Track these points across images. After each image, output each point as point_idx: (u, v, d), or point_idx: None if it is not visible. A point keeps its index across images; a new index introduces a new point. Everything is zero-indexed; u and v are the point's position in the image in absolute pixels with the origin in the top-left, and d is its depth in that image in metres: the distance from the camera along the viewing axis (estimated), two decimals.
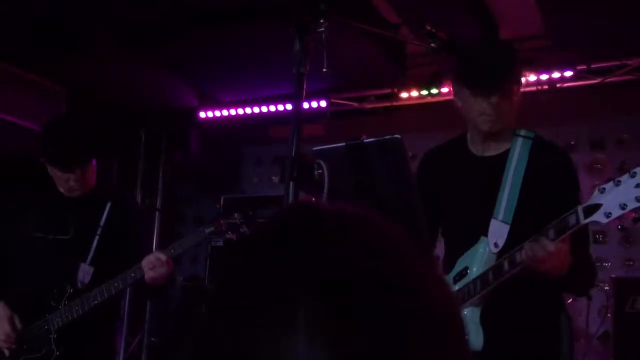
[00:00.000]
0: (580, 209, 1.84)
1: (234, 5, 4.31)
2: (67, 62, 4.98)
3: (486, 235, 2.12)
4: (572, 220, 1.87)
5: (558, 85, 4.90)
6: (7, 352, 2.66)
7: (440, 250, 2.51)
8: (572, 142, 5.31)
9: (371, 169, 1.63)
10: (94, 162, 2.81)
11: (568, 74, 4.86)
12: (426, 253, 0.59)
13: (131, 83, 5.50)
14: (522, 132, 2.22)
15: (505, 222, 2.11)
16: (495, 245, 2.10)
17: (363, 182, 1.62)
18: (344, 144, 1.65)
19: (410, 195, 1.65)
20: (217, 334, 0.53)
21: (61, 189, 2.79)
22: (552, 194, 2.11)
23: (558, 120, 4.94)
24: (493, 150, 2.24)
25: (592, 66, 4.81)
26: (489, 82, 2.08)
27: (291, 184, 1.48)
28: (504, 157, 2.19)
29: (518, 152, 2.17)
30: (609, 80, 4.81)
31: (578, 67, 4.84)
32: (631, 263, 5.13)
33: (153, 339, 5.84)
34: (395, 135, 1.62)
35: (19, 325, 2.65)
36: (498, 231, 2.11)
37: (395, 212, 1.56)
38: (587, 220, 1.84)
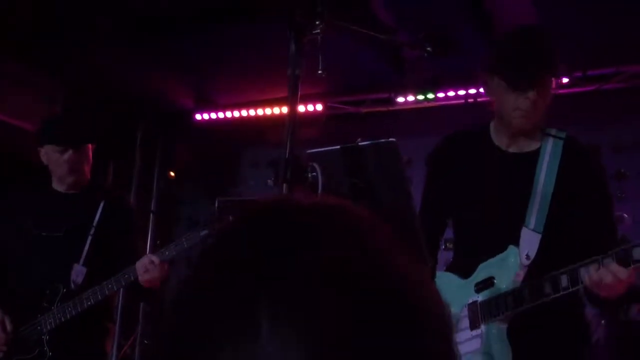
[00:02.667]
0: None
1: (230, 7, 4.30)
2: (64, 62, 4.97)
3: (515, 244, 1.96)
4: (637, 253, 1.69)
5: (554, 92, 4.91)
6: (0, 355, 2.65)
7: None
8: None
9: (366, 172, 1.63)
10: (90, 155, 2.81)
11: (564, 80, 4.87)
12: (417, 256, 0.57)
13: (128, 85, 5.49)
14: (553, 132, 2.08)
15: (537, 232, 1.96)
16: (527, 257, 1.94)
17: (358, 185, 1.61)
18: (339, 147, 1.65)
19: (406, 199, 1.64)
20: (179, 331, 0.52)
21: (57, 178, 2.79)
22: (584, 202, 1.98)
23: (553, 126, 4.94)
24: (521, 147, 2.09)
25: (588, 73, 4.82)
26: (529, 76, 1.94)
27: (284, 186, 1.47)
28: (533, 158, 2.04)
29: (549, 153, 2.03)
30: (605, 87, 4.82)
31: (574, 74, 4.85)
32: None
33: (146, 341, 5.81)
34: (391, 139, 1.61)
35: (9, 327, 2.64)
36: (529, 241, 1.95)
37: (391, 216, 1.55)
38: None
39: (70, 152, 2.72)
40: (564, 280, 1.81)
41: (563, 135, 2.08)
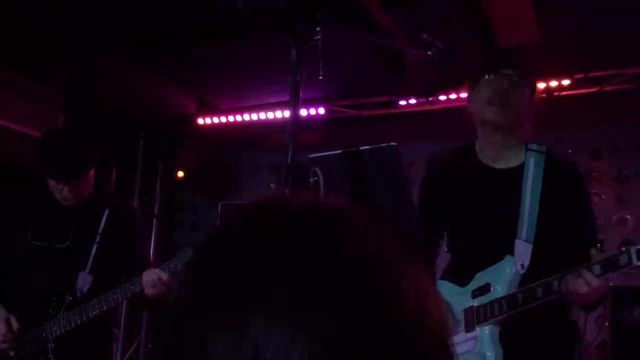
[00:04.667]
0: (633, 250, 1.84)
1: (232, 13, 4.32)
2: (66, 69, 4.99)
3: (511, 254, 2.11)
4: (623, 260, 1.86)
5: (555, 94, 4.91)
6: (12, 353, 2.66)
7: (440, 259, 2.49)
8: (570, 151, 5.31)
9: (367, 176, 1.64)
10: (91, 175, 2.81)
11: (565, 82, 4.88)
12: (414, 255, 0.57)
13: (130, 90, 5.51)
14: (535, 147, 2.23)
15: (528, 242, 2.11)
16: (522, 266, 2.09)
17: (359, 190, 1.62)
18: (339, 151, 1.66)
19: (406, 203, 1.65)
20: (173, 330, 0.53)
21: (57, 197, 2.80)
22: (569, 211, 2.14)
23: (555, 128, 4.94)
24: (505, 162, 2.24)
25: (590, 75, 4.82)
26: (496, 60, 2.23)
27: (286, 191, 1.48)
28: (518, 171, 2.19)
29: (532, 166, 2.18)
30: (606, 89, 4.82)
31: (575, 76, 4.86)
32: (629, 272, 5.13)
33: (150, 346, 5.82)
34: (391, 143, 1.62)
35: (15, 325, 2.65)
36: (522, 251, 2.11)
37: (391, 220, 1.56)
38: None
39: (70, 183, 2.72)
40: (555, 285, 1.97)
41: (543, 149, 2.24)
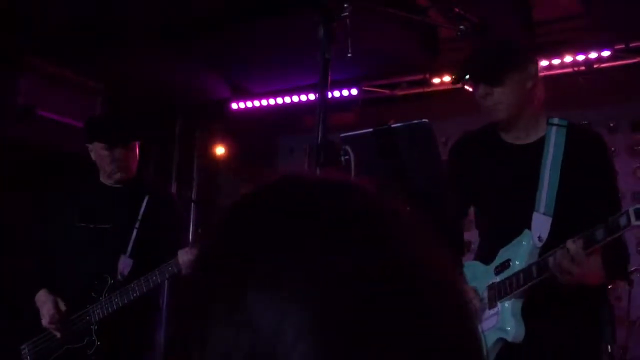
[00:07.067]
0: (631, 210, 1.84)
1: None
2: (103, 58, 5.06)
3: (529, 228, 2.11)
4: (623, 221, 1.86)
5: (595, 66, 4.77)
6: (58, 334, 2.75)
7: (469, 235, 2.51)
8: (612, 124, 5.17)
9: (399, 153, 1.63)
10: (137, 152, 2.90)
11: (605, 53, 4.74)
12: (444, 238, 0.55)
13: (165, 77, 5.57)
14: (556, 120, 2.21)
15: (547, 215, 2.10)
16: (540, 239, 2.09)
17: (391, 167, 1.62)
18: (371, 129, 1.66)
19: (439, 179, 1.64)
20: (180, 307, 0.54)
21: (105, 174, 2.88)
22: (591, 182, 2.12)
23: (596, 101, 4.82)
24: (525, 138, 2.24)
25: (631, 45, 4.67)
26: (472, 73, 2.23)
27: (318, 170, 1.48)
28: (539, 146, 2.18)
29: (554, 140, 2.16)
30: None
31: (616, 47, 4.71)
32: None
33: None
34: (423, 120, 1.61)
35: (62, 306, 2.74)
36: (541, 224, 2.10)
37: (424, 196, 1.55)
38: (639, 222, 1.83)
39: (118, 150, 2.80)
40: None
41: (565, 122, 2.22)
